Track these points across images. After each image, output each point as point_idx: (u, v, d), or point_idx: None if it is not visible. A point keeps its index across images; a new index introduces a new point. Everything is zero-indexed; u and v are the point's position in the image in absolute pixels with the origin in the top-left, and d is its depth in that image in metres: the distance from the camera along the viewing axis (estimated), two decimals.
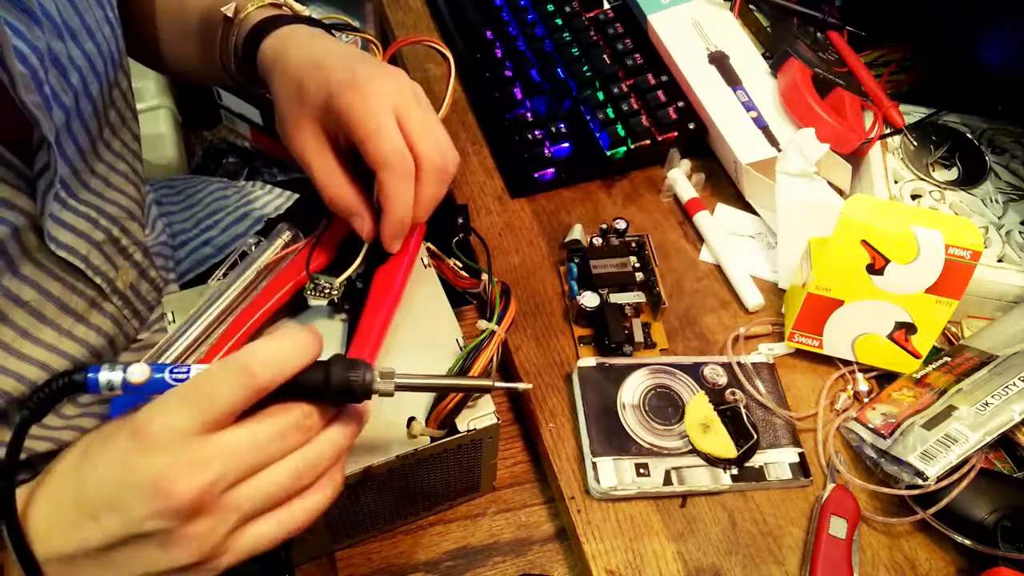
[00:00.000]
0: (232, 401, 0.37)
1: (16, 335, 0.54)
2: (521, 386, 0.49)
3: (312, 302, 0.54)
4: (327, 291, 0.54)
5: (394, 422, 0.50)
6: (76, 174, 0.56)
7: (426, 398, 0.52)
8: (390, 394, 0.42)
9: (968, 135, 0.76)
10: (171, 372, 0.40)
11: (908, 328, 0.62)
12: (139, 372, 0.40)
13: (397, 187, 0.50)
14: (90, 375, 0.39)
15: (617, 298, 0.65)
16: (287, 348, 0.38)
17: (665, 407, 0.61)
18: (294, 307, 0.56)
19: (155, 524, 0.35)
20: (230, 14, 0.59)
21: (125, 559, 0.37)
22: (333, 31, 0.60)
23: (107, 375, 0.39)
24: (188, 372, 0.40)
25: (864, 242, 0.60)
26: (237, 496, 0.37)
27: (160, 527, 0.35)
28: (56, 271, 0.55)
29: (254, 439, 0.37)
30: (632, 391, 0.61)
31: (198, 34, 0.64)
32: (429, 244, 0.60)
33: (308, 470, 0.39)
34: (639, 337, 0.64)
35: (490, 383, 0.45)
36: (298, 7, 0.61)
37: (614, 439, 0.59)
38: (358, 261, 0.54)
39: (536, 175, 0.75)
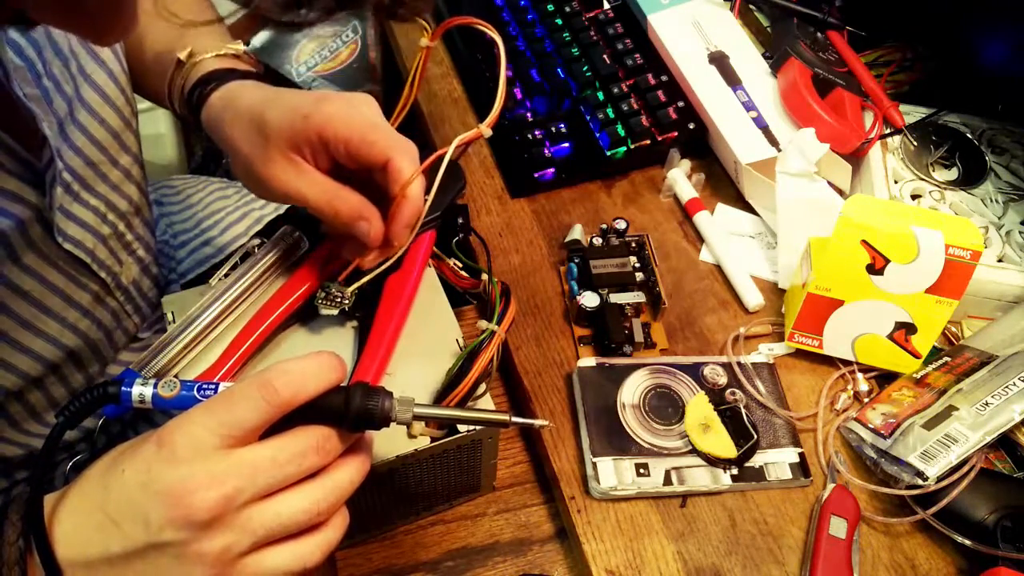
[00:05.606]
0: (254, 416, 0.37)
1: (15, 325, 0.54)
2: (538, 423, 0.47)
3: (323, 311, 0.53)
4: (339, 300, 0.53)
5: None
6: (93, 166, 0.55)
7: (428, 396, 0.52)
8: (408, 423, 0.42)
9: (968, 135, 0.76)
10: (199, 389, 0.41)
11: (908, 328, 0.62)
12: (169, 387, 0.41)
13: (411, 168, 0.48)
14: (124, 388, 0.41)
15: (617, 298, 0.65)
16: (311, 367, 0.39)
17: (665, 407, 0.61)
18: (304, 314, 0.55)
19: (172, 534, 0.36)
20: (183, 57, 0.58)
21: (142, 570, 0.37)
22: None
23: (139, 389, 0.41)
24: (216, 389, 0.41)
25: (864, 242, 0.60)
26: (254, 516, 0.37)
27: (177, 538, 0.36)
28: (60, 263, 0.55)
29: (274, 457, 0.38)
30: (632, 391, 0.61)
31: (152, 73, 0.63)
32: None
33: (325, 501, 0.39)
34: (639, 337, 0.64)
35: (507, 418, 0.45)
36: (251, 64, 0.59)
37: (614, 439, 0.59)
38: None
39: (536, 175, 0.75)
